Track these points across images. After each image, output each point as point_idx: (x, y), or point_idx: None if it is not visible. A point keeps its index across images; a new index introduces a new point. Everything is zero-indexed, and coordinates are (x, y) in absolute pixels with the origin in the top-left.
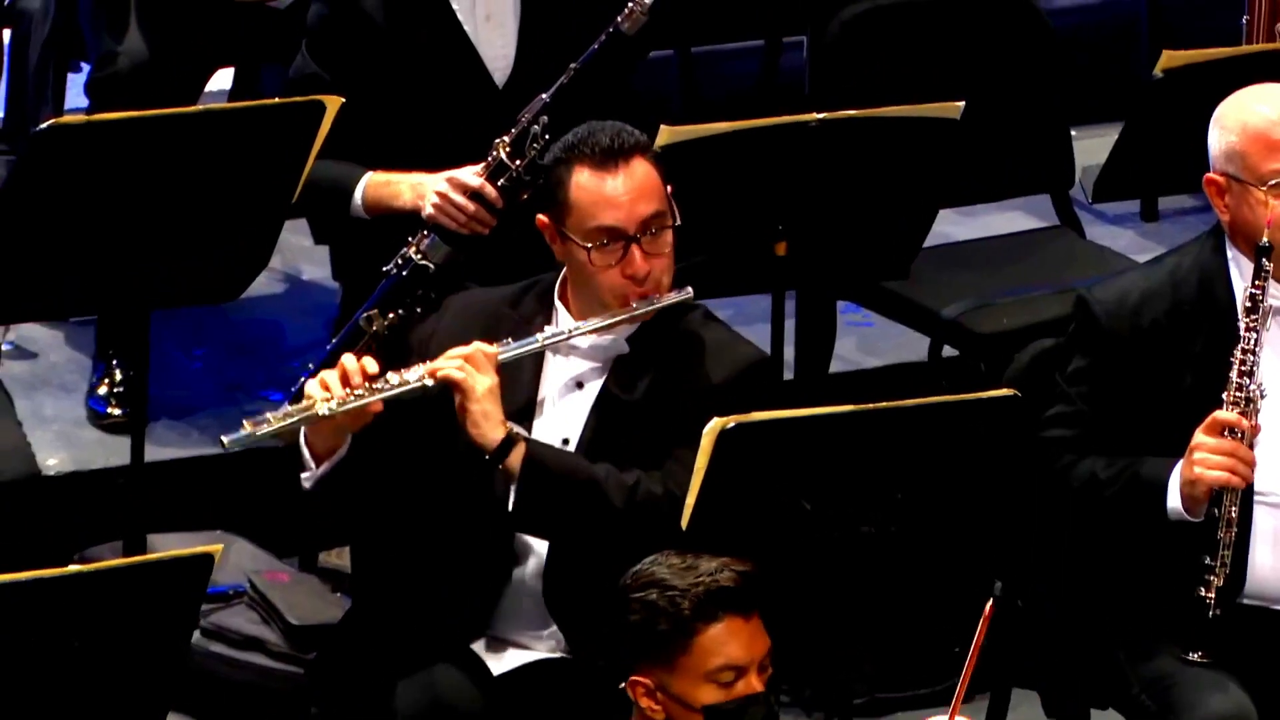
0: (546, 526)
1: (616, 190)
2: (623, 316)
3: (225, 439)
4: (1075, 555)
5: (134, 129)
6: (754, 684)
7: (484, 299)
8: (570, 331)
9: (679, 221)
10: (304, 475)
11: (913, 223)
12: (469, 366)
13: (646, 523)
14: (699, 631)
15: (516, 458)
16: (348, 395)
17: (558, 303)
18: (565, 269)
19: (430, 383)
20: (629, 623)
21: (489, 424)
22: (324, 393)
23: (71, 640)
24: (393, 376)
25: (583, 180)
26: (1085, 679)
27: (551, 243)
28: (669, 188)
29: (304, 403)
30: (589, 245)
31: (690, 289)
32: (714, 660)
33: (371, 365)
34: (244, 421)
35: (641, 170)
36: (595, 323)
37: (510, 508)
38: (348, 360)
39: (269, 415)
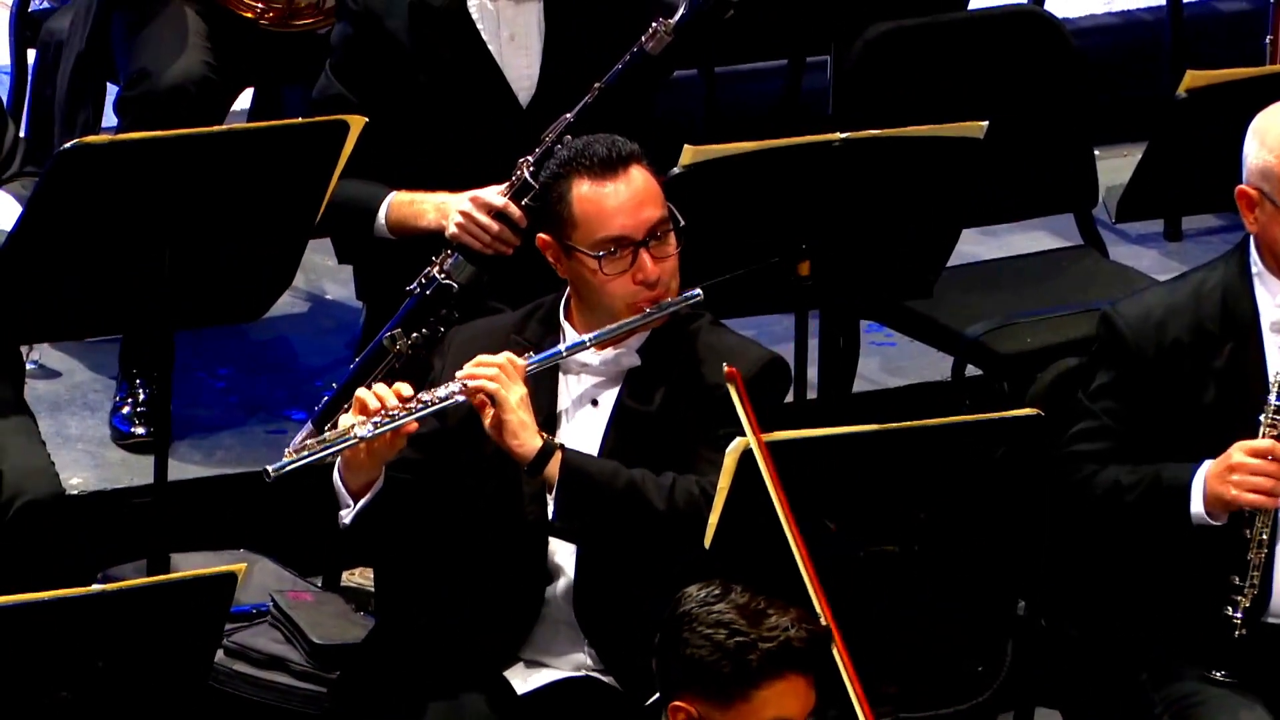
0: (589, 532)
1: (621, 198)
2: (638, 321)
3: (270, 469)
4: (1099, 574)
5: (157, 149)
6: None
7: (486, 329)
8: (590, 341)
9: (683, 223)
10: (342, 513)
11: (936, 242)
12: (502, 376)
13: (686, 522)
14: (762, 685)
15: (555, 466)
16: (384, 418)
17: (564, 324)
18: (569, 289)
19: (463, 397)
20: (688, 654)
21: (526, 433)
22: (361, 417)
23: (95, 660)
24: (425, 395)
25: (585, 192)
26: (1108, 698)
27: (555, 261)
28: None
29: (342, 428)
30: (599, 254)
31: (700, 290)
32: (769, 712)
33: (405, 389)
34: (286, 450)
35: (641, 177)
36: (611, 329)
37: (552, 517)
38: (379, 387)
39: (309, 442)
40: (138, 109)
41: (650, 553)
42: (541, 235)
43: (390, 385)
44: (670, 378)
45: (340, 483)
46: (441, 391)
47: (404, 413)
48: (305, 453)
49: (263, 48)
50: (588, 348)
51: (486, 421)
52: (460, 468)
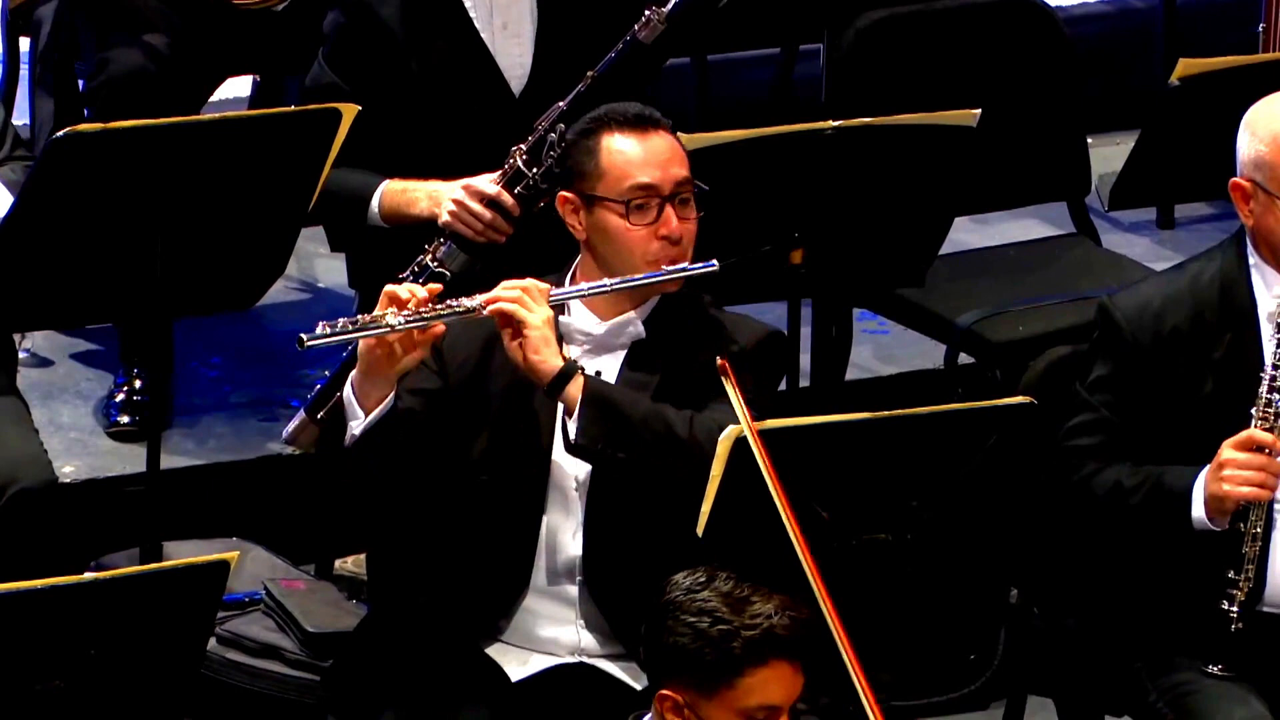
0: (612, 454)
1: (651, 150)
2: (655, 278)
3: (304, 336)
4: (1095, 566)
5: (150, 137)
6: None
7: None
8: (611, 285)
9: (706, 188)
10: (352, 423)
11: (929, 230)
12: (526, 298)
13: (706, 453)
14: (746, 672)
15: (576, 386)
16: (413, 315)
17: None
18: (574, 265)
19: (487, 311)
20: (673, 642)
21: (549, 350)
22: (393, 309)
23: (88, 648)
24: (453, 302)
25: (616, 143)
26: (1102, 687)
27: (574, 216)
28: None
29: (375, 313)
30: (626, 201)
31: (715, 261)
32: (754, 699)
33: (436, 288)
34: (320, 323)
35: (669, 139)
36: (633, 279)
37: (573, 437)
38: (410, 285)
39: (342, 320)
40: (102, 98)
41: (668, 479)
42: (562, 193)
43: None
44: (674, 351)
45: (353, 394)
46: (470, 301)
47: (433, 313)
48: (340, 329)
49: (243, 34)
50: (609, 290)
51: (507, 337)
52: (459, 428)
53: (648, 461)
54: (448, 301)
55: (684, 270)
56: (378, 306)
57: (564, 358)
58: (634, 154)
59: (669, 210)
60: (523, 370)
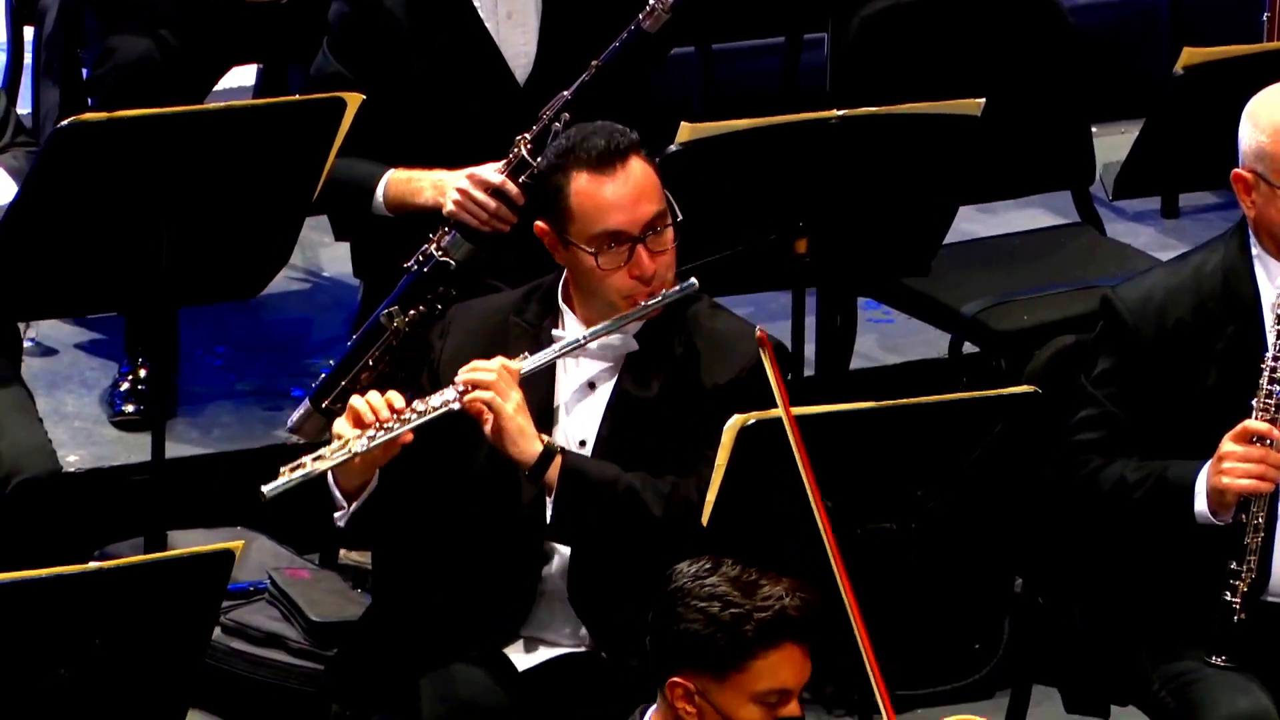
0: (584, 536)
1: (618, 193)
2: (632, 315)
3: (265, 489)
4: (1100, 556)
5: (154, 126)
6: (794, 709)
7: (485, 309)
8: (583, 339)
9: (680, 217)
10: (337, 515)
11: (933, 219)
12: (498, 384)
13: (683, 529)
14: (758, 655)
15: (555, 470)
16: (378, 431)
17: (563, 305)
18: (567, 272)
19: (458, 406)
20: (682, 628)
21: (525, 440)
22: (354, 431)
23: (92, 637)
24: (419, 405)
25: (582, 186)
26: (1106, 677)
27: (552, 249)
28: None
29: (336, 444)
30: (594, 250)
31: (695, 280)
32: (766, 683)
33: (397, 399)
34: (281, 469)
35: (639, 170)
36: (606, 325)
37: (549, 520)
38: (373, 398)
39: (304, 460)
40: (106, 87)
41: (642, 556)
42: (539, 223)
43: (383, 394)
44: (669, 363)
45: (334, 486)
46: (436, 400)
47: (398, 424)
48: (300, 471)
49: (249, 25)
50: (583, 345)
51: (486, 428)
52: (456, 467)
53: (620, 542)
54: (414, 406)
55: (662, 300)
56: (346, 420)
57: (543, 440)
58: (601, 198)
59: (640, 251)
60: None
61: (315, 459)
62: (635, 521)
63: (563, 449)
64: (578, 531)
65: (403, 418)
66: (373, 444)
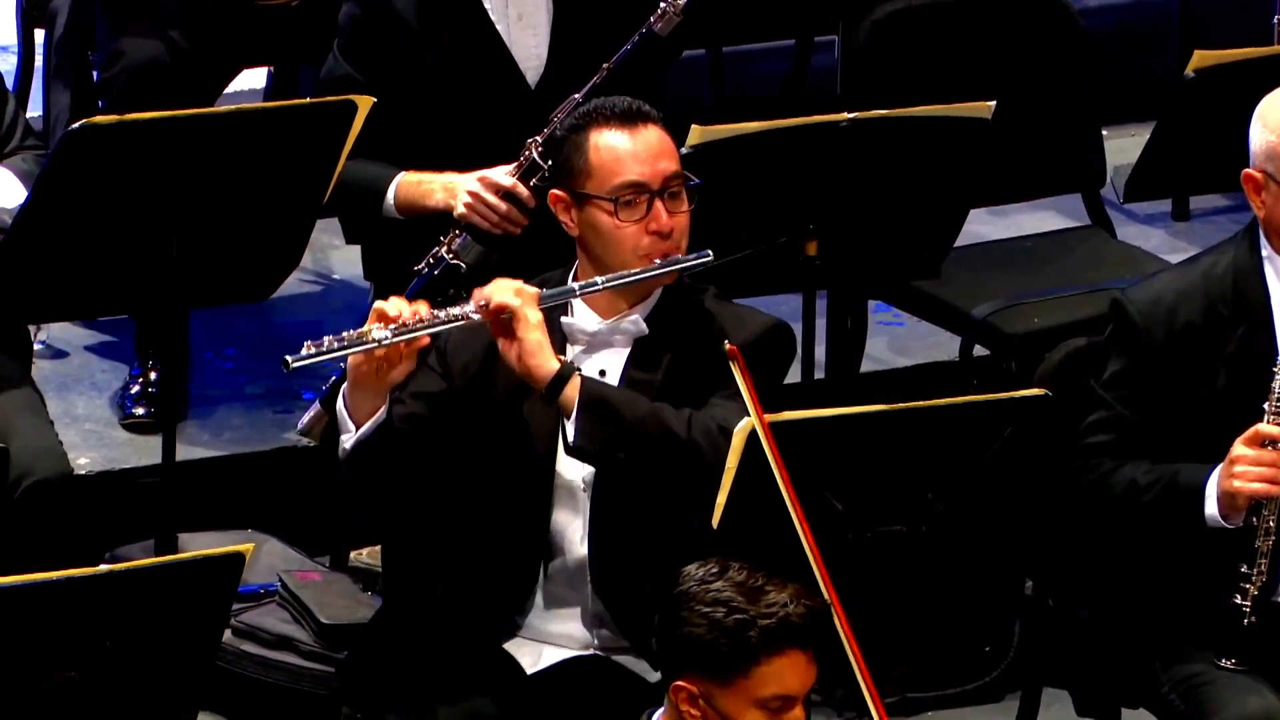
0: (611, 455)
1: (640, 145)
2: (649, 273)
3: (289, 359)
4: (1110, 559)
5: (165, 128)
6: (799, 714)
7: None
8: (602, 283)
9: (697, 180)
10: (343, 437)
11: (944, 222)
12: (519, 302)
13: (704, 453)
14: (762, 661)
15: (573, 388)
16: (401, 328)
17: None
18: (576, 263)
19: (478, 316)
20: (688, 633)
21: (543, 353)
22: (379, 324)
23: (103, 640)
24: (441, 312)
25: (604, 139)
26: (1116, 679)
27: (566, 214)
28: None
29: (361, 329)
30: (614, 199)
31: (710, 252)
32: (770, 689)
33: (423, 306)
34: (306, 343)
35: (658, 133)
36: (625, 275)
37: (571, 439)
38: (397, 299)
39: (328, 338)
40: (115, 90)
41: (668, 480)
42: (554, 191)
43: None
44: (677, 346)
45: (344, 408)
46: (456, 310)
47: (420, 325)
48: (324, 347)
49: (260, 27)
50: (600, 289)
51: (503, 343)
52: (464, 429)
53: (646, 461)
54: (434, 313)
55: (677, 263)
56: (366, 322)
57: (560, 360)
58: (622, 150)
59: (658, 205)
60: (519, 374)
61: (339, 340)
62: (659, 437)
63: (580, 369)
64: (602, 449)
65: (424, 320)
66: (395, 338)
